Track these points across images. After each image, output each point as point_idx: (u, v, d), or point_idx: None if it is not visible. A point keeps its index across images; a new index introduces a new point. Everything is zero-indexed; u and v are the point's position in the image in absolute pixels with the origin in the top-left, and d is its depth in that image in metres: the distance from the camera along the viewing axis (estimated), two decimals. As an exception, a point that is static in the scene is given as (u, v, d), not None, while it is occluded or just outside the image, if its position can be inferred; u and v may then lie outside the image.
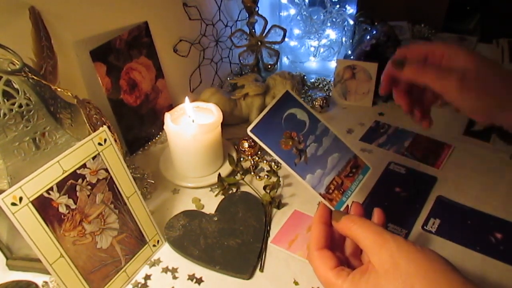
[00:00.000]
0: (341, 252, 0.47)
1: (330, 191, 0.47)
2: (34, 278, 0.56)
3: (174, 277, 0.57)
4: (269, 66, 0.95)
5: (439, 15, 1.11)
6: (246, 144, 0.75)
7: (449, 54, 0.51)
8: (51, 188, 0.46)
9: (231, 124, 0.83)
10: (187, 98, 0.69)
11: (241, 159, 0.76)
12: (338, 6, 0.94)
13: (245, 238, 0.60)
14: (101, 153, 0.50)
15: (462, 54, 0.50)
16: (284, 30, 0.89)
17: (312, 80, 0.97)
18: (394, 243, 0.39)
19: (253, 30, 0.91)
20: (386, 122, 0.83)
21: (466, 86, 0.48)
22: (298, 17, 0.97)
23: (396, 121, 0.83)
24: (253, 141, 0.75)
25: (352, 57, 0.91)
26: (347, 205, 0.48)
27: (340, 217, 0.44)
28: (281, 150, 0.46)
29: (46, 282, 0.56)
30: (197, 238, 0.60)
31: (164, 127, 0.67)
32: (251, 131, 0.45)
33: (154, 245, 0.59)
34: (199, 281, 0.56)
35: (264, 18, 0.89)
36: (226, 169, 0.72)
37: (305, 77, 0.96)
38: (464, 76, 0.48)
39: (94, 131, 0.51)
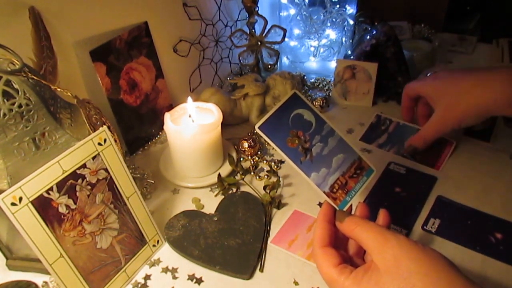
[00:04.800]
0: (345, 251, 0.47)
1: (334, 190, 0.47)
2: (34, 278, 0.56)
3: (174, 277, 0.57)
4: (269, 66, 0.95)
5: (439, 15, 1.11)
6: (246, 144, 0.75)
7: (421, 92, 0.70)
8: (51, 188, 0.46)
9: (231, 124, 0.84)
10: (189, 98, 0.69)
11: (241, 159, 0.76)
12: (338, 6, 0.94)
13: (245, 238, 0.60)
14: (101, 153, 0.50)
15: (430, 92, 0.68)
16: (284, 30, 0.89)
17: (312, 80, 0.96)
18: (396, 242, 0.39)
19: (253, 30, 0.91)
20: (388, 116, 0.82)
21: (451, 111, 0.64)
22: (298, 17, 0.97)
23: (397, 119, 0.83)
24: (253, 141, 0.75)
25: (352, 57, 0.91)
26: (351, 205, 0.48)
27: (343, 218, 0.44)
28: (288, 147, 0.47)
29: (46, 282, 0.56)
30: (197, 238, 0.60)
31: (164, 127, 0.67)
32: (259, 128, 0.46)
33: (154, 245, 0.59)
34: (199, 281, 0.56)
35: (264, 18, 0.88)
36: (226, 169, 0.72)
37: (305, 77, 0.96)
38: (446, 107, 0.65)
39: (94, 131, 0.51)
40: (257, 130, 0.46)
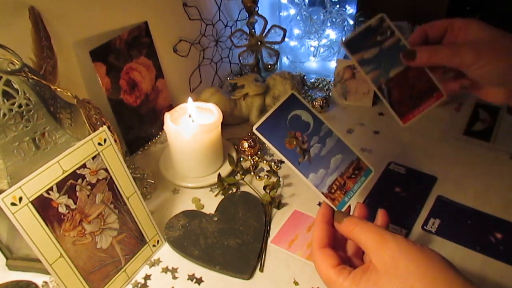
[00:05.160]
0: (343, 252, 0.47)
1: (333, 190, 0.47)
2: (34, 278, 0.56)
3: (174, 277, 0.57)
4: (269, 66, 0.95)
5: (439, 15, 1.11)
6: (246, 144, 0.75)
7: (466, 26, 0.54)
8: (51, 188, 0.46)
9: (231, 124, 0.84)
10: (190, 98, 0.69)
11: (241, 159, 0.76)
12: (338, 6, 0.94)
13: (245, 238, 0.60)
14: (101, 153, 0.50)
15: (476, 24, 0.53)
16: (284, 30, 0.89)
17: (312, 80, 0.97)
18: (395, 242, 0.39)
19: (253, 30, 0.91)
20: (393, 26, 0.58)
21: (480, 52, 0.51)
22: (298, 17, 0.97)
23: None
24: (253, 141, 0.75)
25: (352, 57, 0.91)
26: (349, 206, 0.48)
27: (342, 218, 0.44)
28: (286, 149, 0.47)
29: (46, 282, 0.56)
30: (197, 238, 0.60)
31: (164, 127, 0.67)
32: (256, 129, 0.46)
33: (154, 245, 0.59)
34: (199, 281, 0.56)
35: (264, 18, 0.89)
36: (226, 169, 0.72)
37: (305, 77, 0.96)
38: (477, 43, 0.51)
39: (94, 131, 0.51)
40: (255, 132, 0.46)
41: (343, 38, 0.57)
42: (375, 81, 0.57)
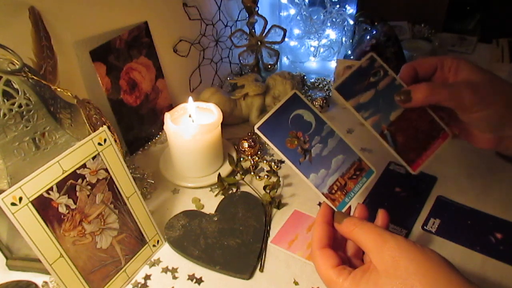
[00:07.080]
0: (343, 252, 0.47)
1: (333, 191, 0.47)
2: (34, 278, 0.56)
3: (174, 277, 0.57)
4: (269, 66, 0.95)
5: (439, 15, 1.11)
6: (246, 144, 0.75)
7: (456, 66, 0.51)
8: (51, 188, 0.46)
9: (231, 124, 0.84)
10: (191, 98, 0.69)
11: (241, 159, 0.76)
12: (338, 6, 0.94)
13: (245, 238, 0.60)
14: (101, 153, 0.50)
15: (467, 65, 0.50)
16: (284, 30, 0.89)
17: (312, 80, 0.97)
18: (395, 243, 0.39)
19: (253, 30, 0.91)
20: (385, 65, 0.54)
21: (480, 95, 0.48)
22: (298, 17, 0.97)
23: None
24: (253, 141, 0.75)
25: (352, 57, 0.91)
26: (349, 206, 0.48)
27: (342, 219, 0.44)
28: (287, 148, 0.47)
29: (46, 282, 0.56)
30: (197, 238, 0.60)
31: (164, 127, 0.67)
32: (258, 128, 0.46)
33: (154, 245, 0.59)
34: (199, 281, 0.56)
35: (264, 18, 0.89)
36: (226, 169, 0.72)
37: (305, 77, 0.96)
38: (475, 85, 0.48)
39: (94, 131, 0.51)
40: (256, 131, 0.46)
41: (334, 84, 0.52)
42: (375, 127, 0.52)
